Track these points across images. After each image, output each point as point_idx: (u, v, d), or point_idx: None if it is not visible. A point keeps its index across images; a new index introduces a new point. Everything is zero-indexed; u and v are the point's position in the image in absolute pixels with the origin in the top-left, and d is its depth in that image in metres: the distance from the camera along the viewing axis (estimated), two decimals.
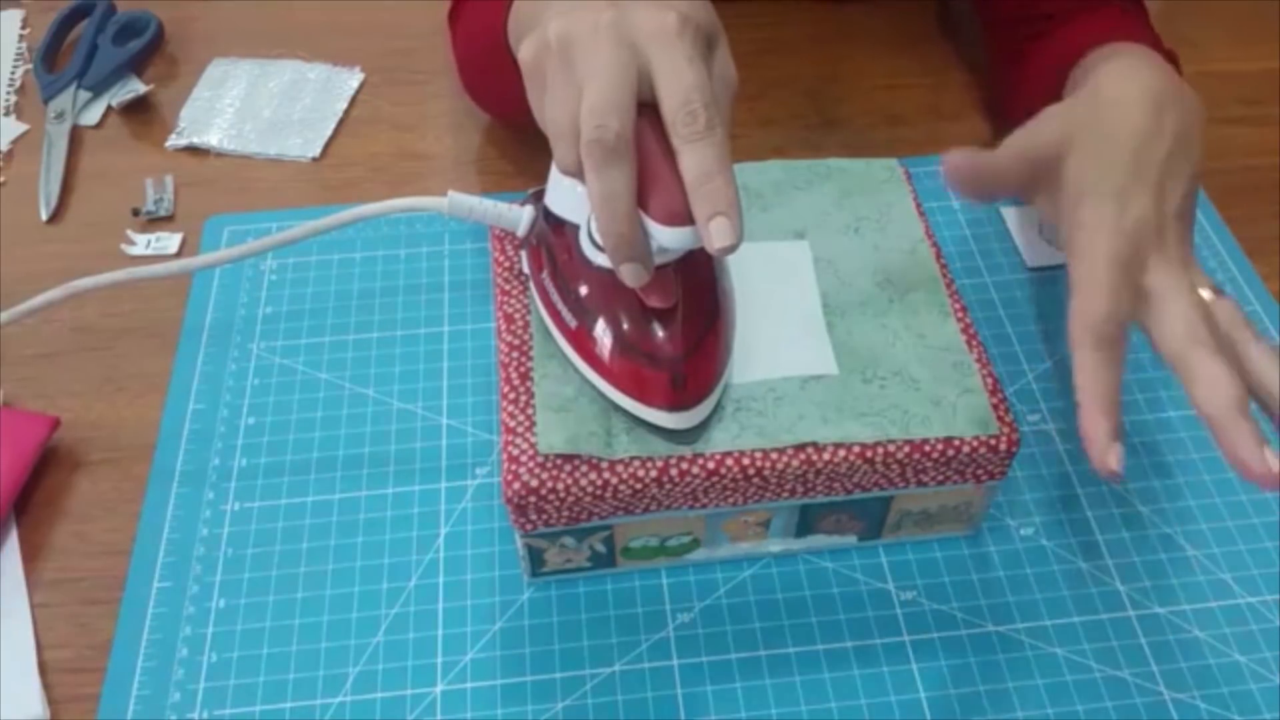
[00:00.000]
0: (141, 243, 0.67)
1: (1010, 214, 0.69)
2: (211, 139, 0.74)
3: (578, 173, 0.42)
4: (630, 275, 0.43)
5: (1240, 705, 0.49)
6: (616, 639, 0.51)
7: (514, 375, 0.49)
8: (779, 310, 0.52)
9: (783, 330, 0.51)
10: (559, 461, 0.46)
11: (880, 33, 0.82)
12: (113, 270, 0.58)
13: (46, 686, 0.50)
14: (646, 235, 0.43)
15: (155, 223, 0.69)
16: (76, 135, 0.75)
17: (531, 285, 0.52)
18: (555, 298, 0.49)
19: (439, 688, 0.50)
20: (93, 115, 0.76)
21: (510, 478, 0.46)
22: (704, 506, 0.49)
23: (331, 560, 0.54)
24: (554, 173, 0.48)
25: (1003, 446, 0.48)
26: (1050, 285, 0.65)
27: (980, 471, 0.50)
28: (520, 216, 0.53)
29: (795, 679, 0.50)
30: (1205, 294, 0.46)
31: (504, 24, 0.54)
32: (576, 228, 0.49)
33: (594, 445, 0.46)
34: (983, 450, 0.48)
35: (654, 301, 0.46)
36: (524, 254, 0.54)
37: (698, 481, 0.47)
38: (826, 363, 0.50)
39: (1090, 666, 0.50)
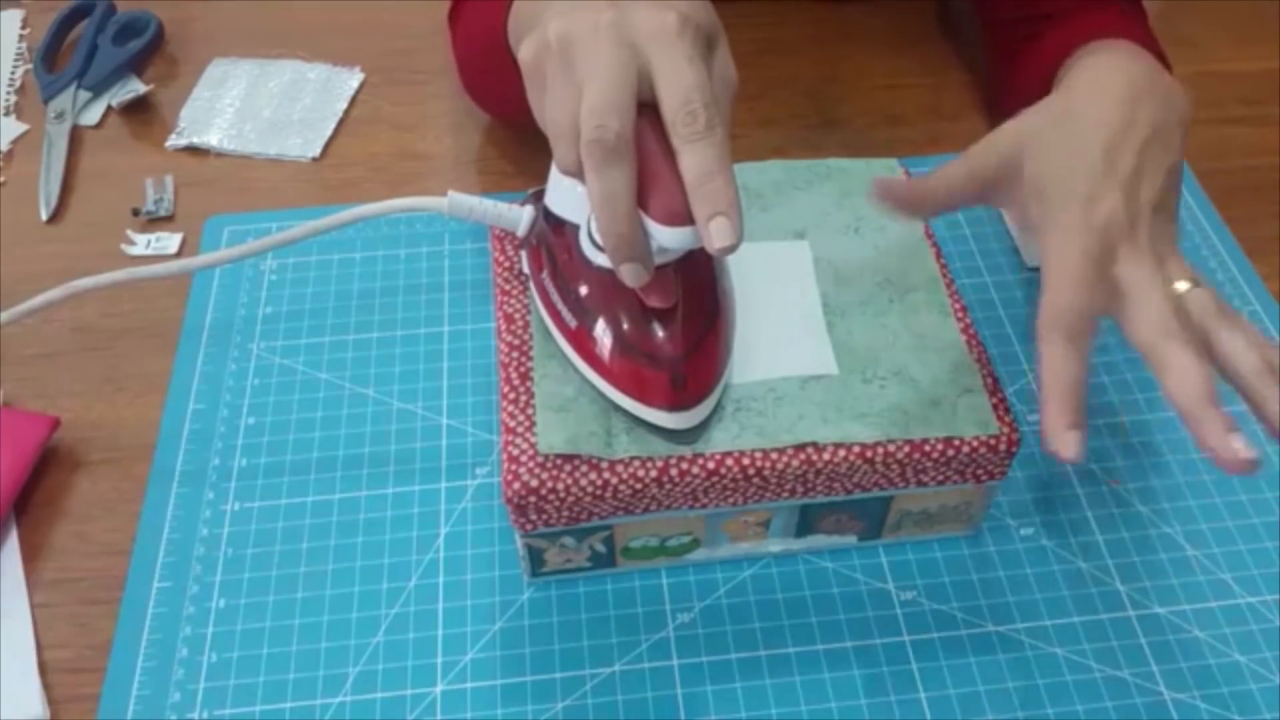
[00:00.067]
0: (141, 243, 0.68)
1: None
2: (211, 139, 0.74)
3: (578, 173, 0.42)
4: (630, 275, 0.43)
5: (1240, 705, 0.49)
6: (616, 639, 0.51)
7: (514, 375, 0.49)
8: (779, 310, 0.52)
9: (783, 330, 0.51)
10: (559, 461, 0.46)
11: (880, 33, 0.83)
12: (113, 270, 0.58)
13: (46, 686, 0.50)
14: (646, 235, 0.43)
15: (155, 223, 0.69)
16: (76, 135, 0.75)
17: (531, 285, 0.52)
18: (555, 298, 0.49)
19: (439, 688, 0.50)
20: (93, 115, 0.76)
21: (510, 478, 0.46)
22: (704, 506, 0.49)
23: (331, 560, 0.54)
24: (554, 173, 0.48)
25: (1003, 446, 0.48)
26: None
27: (980, 471, 0.50)
28: (520, 216, 0.53)
29: (795, 679, 0.50)
30: (1182, 285, 0.46)
31: (504, 24, 0.54)
32: (576, 228, 0.49)
33: (594, 445, 0.46)
34: (983, 450, 0.48)
35: (654, 301, 0.46)
36: (524, 254, 0.54)
37: (698, 481, 0.47)
38: (826, 363, 0.50)
39: (1090, 666, 0.50)
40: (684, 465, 0.47)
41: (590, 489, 0.47)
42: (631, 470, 0.47)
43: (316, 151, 0.74)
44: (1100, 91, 0.51)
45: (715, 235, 0.41)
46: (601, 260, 0.47)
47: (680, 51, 0.42)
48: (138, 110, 0.76)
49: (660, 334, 0.46)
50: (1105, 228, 0.46)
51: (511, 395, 0.49)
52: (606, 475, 0.46)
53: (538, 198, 0.52)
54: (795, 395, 0.49)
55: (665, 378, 0.46)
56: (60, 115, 0.75)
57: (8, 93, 0.78)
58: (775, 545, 0.53)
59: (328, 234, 0.58)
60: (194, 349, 0.62)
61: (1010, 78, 0.70)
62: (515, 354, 0.50)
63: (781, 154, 0.69)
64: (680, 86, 0.42)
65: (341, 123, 0.76)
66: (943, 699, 0.49)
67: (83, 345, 0.63)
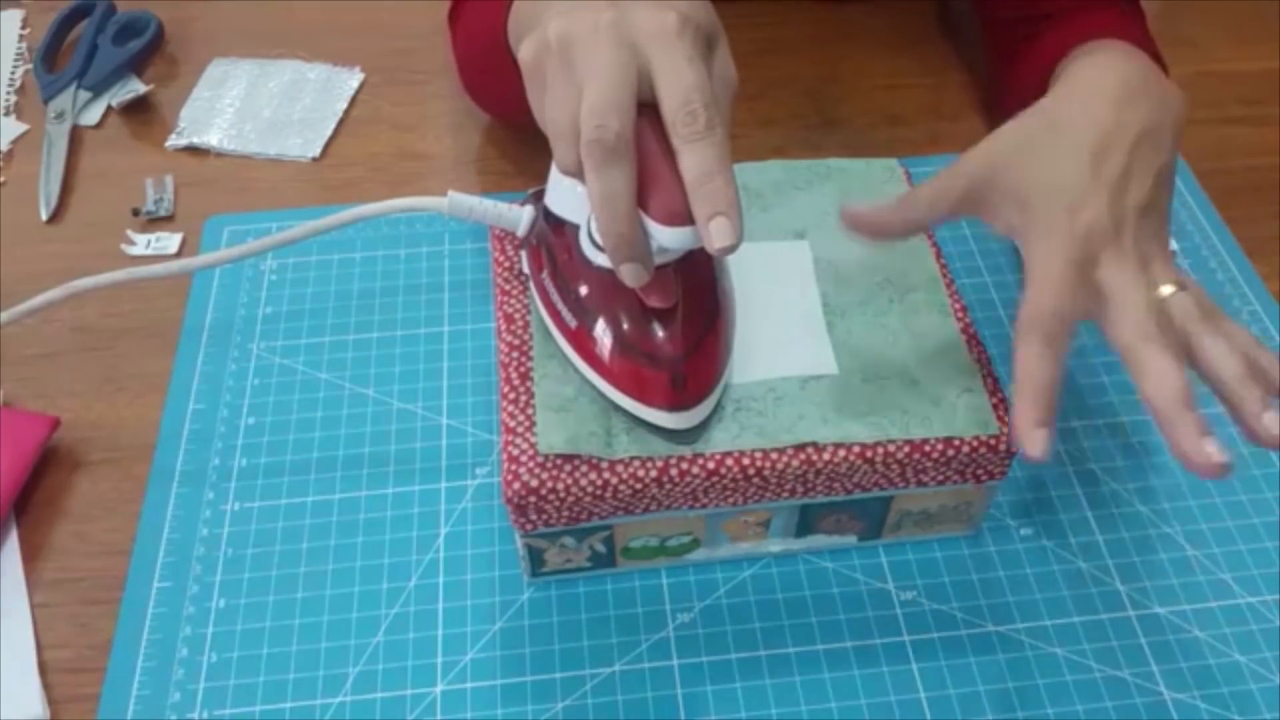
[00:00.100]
0: (141, 243, 0.67)
1: None
2: (211, 139, 0.74)
3: (578, 173, 0.42)
4: (630, 275, 0.43)
5: (1240, 705, 0.49)
6: (616, 639, 0.51)
7: (514, 375, 0.49)
8: (779, 310, 0.52)
9: (783, 330, 0.51)
10: (559, 461, 0.46)
11: (880, 33, 0.83)
12: (113, 270, 0.58)
13: (46, 686, 0.50)
14: (646, 235, 0.43)
15: (155, 223, 0.69)
16: (76, 135, 0.75)
17: (531, 285, 0.52)
18: (555, 298, 0.49)
19: (439, 688, 0.50)
20: (93, 115, 0.76)
21: (510, 478, 0.46)
22: (704, 506, 0.49)
23: (331, 560, 0.54)
24: (554, 173, 0.48)
25: (1003, 446, 0.48)
26: None
27: (980, 471, 0.50)
28: (520, 216, 0.53)
29: (795, 679, 0.50)
30: (1166, 289, 0.46)
31: (504, 24, 0.54)
32: (576, 228, 0.49)
33: (594, 445, 0.46)
34: (983, 450, 0.48)
35: (654, 301, 0.46)
36: (524, 254, 0.54)
37: (698, 481, 0.47)
38: (826, 363, 0.50)
39: (1090, 666, 0.50)
40: (684, 465, 0.47)
41: (590, 489, 0.46)
42: (631, 470, 0.47)
43: (316, 151, 0.74)
44: (1091, 91, 0.50)
45: (715, 235, 0.41)
46: (601, 260, 0.47)
47: (680, 51, 0.42)
48: (138, 110, 0.76)
49: (660, 334, 0.46)
50: (1088, 233, 0.46)
51: (511, 395, 0.49)
52: (606, 475, 0.46)
53: (538, 198, 0.52)
54: (795, 395, 0.49)
55: (665, 378, 0.46)
56: (60, 115, 0.75)
57: (8, 93, 0.78)
58: (775, 545, 0.53)
59: (328, 234, 0.58)
60: (194, 349, 0.62)
61: (1010, 78, 0.70)
62: (515, 354, 0.50)
63: (781, 154, 0.69)
64: (680, 86, 0.42)
65: (341, 123, 0.76)
66: (943, 699, 0.49)
67: (83, 345, 0.63)
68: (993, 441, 0.48)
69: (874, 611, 0.52)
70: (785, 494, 0.49)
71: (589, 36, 0.42)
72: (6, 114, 0.76)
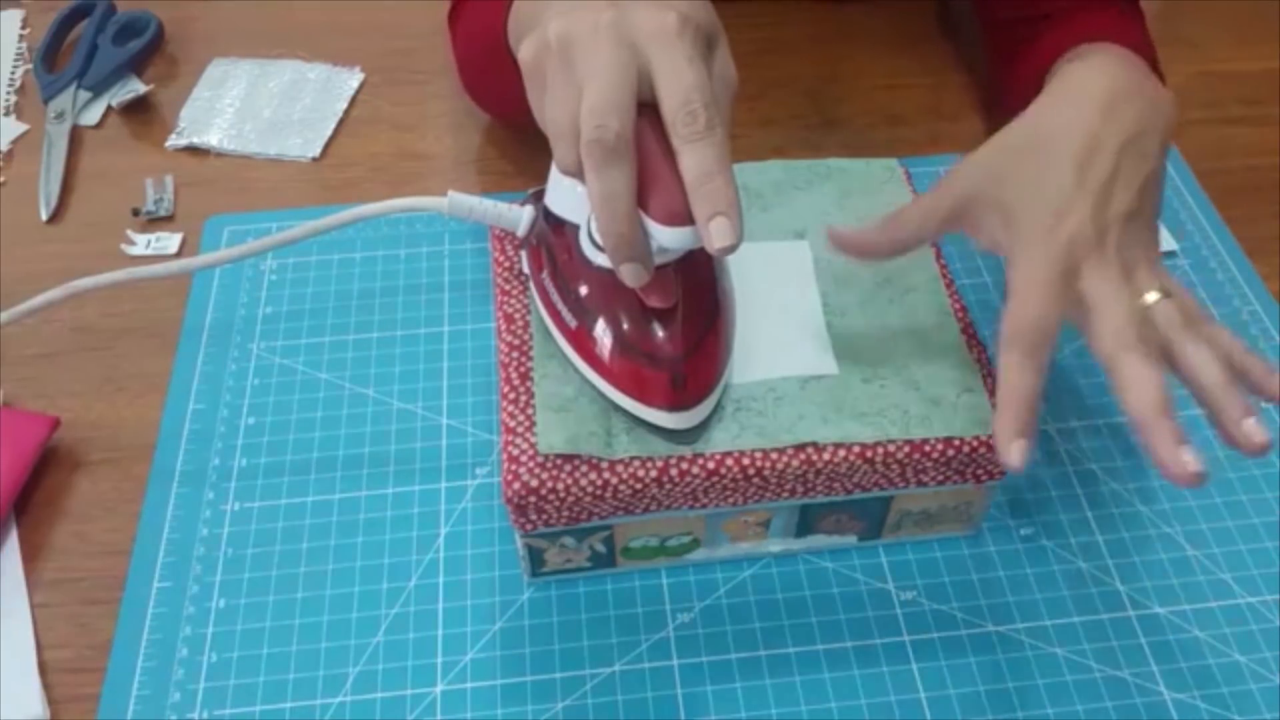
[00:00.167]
0: (141, 243, 0.68)
1: None
2: (211, 139, 0.74)
3: (578, 173, 0.42)
4: (630, 275, 0.43)
5: (1240, 705, 0.49)
6: (616, 639, 0.51)
7: (514, 375, 0.49)
8: (779, 310, 0.52)
9: (783, 330, 0.51)
10: (559, 461, 0.46)
11: (880, 33, 0.83)
12: (113, 270, 0.58)
13: (46, 686, 0.50)
14: (646, 235, 0.43)
15: (155, 223, 0.69)
16: (76, 135, 0.75)
17: (531, 285, 0.52)
18: (555, 298, 0.49)
19: (439, 688, 0.50)
20: (93, 115, 0.76)
21: (510, 478, 0.46)
22: (704, 506, 0.49)
23: (331, 560, 0.54)
24: (554, 173, 0.48)
25: None
26: None
27: (980, 471, 0.50)
28: (520, 216, 0.53)
29: (795, 679, 0.50)
30: (1151, 296, 0.46)
31: (504, 24, 0.54)
32: (576, 228, 0.49)
33: (594, 445, 0.46)
34: (983, 450, 0.48)
35: (654, 301, 0.46)
36: (524, 254, 0.54)
37: (698, 481, 0.47)
38: (826, 363, 0.50)
39: (1090, 666, 0.50)
40: (684, 465, 0.47)
41: (590, 489, 0.46)
42: (631, 470, 0.46)
43: (316, 151, 0.74)
44: (1078, 97, 0.50)
45: (715, 235, 0.41)
46: (601, 260, 0.47)
47: (680, 51, 0.42)
48: (138, 110, 0.76)
49: (660, 334, 0.46)
50: (1071, 242, 0.46)
51: (511, 395, 0.49)
52: (606, 475, 0.46)
53: (538, 198, 0.52)
54: (795, 395, 0.49)
55: (665, 378, 0.46)
56: (60, 115, 0.75)
57: (8, 93, 0.78)
58: (775, 545, 0.53)
59: (328, 234, 0.58)
60: (194, 349, 0.62)
61: (1010, 78, 0.70)
62: (515, 354, 0.50)
63: (781, 154, 0.69)
64: (680, 86, 0.42)
65: (341, 123, 0.76)
66: (943, 699, 0.49)
67: (83, 345, 0.63)
68: (993, 441, 0.48)
69: (874, 611, 0.52)
70: (785, 494, 0.49)
71: (589, 36, 0.42)
72: (6, 114, 0.76)
